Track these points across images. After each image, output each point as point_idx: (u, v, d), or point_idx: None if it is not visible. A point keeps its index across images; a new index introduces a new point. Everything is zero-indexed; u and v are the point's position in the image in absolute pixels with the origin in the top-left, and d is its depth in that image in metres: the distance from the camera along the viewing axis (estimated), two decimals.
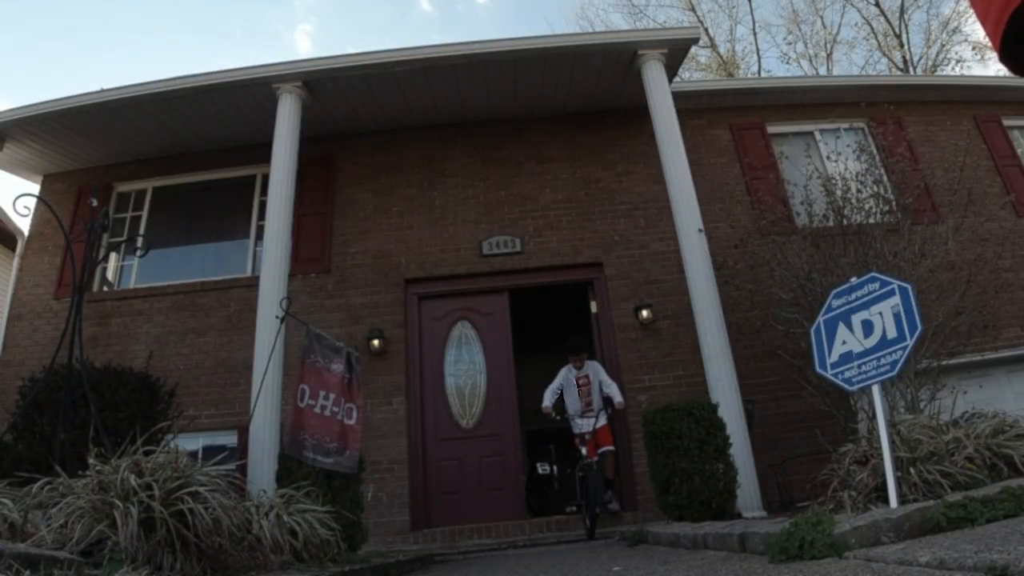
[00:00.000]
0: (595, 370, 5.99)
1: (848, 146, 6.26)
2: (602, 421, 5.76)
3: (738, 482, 4.41)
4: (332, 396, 4.02)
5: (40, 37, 38.98)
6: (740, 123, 7.58)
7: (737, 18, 24.32)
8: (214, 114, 6.86)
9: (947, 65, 18.06)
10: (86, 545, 2.10)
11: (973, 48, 18.80)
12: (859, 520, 1.69)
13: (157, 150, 7.43)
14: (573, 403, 5.97)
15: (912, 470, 2.61)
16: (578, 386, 5.95)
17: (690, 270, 5.52)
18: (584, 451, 5.41)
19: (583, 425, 5.67)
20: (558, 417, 5.84)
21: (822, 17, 20.29)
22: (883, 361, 2.57)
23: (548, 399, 5.85)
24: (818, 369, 2.91)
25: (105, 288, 7.17)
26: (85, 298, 4.11)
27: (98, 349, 6.22)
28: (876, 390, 2.62)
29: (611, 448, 5.76)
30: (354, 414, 4.13)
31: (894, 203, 5.47)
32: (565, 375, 6.04)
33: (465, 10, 39.64)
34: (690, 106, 7.39)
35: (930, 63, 18.21)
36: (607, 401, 5.77)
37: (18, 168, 7.50)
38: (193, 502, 2.29)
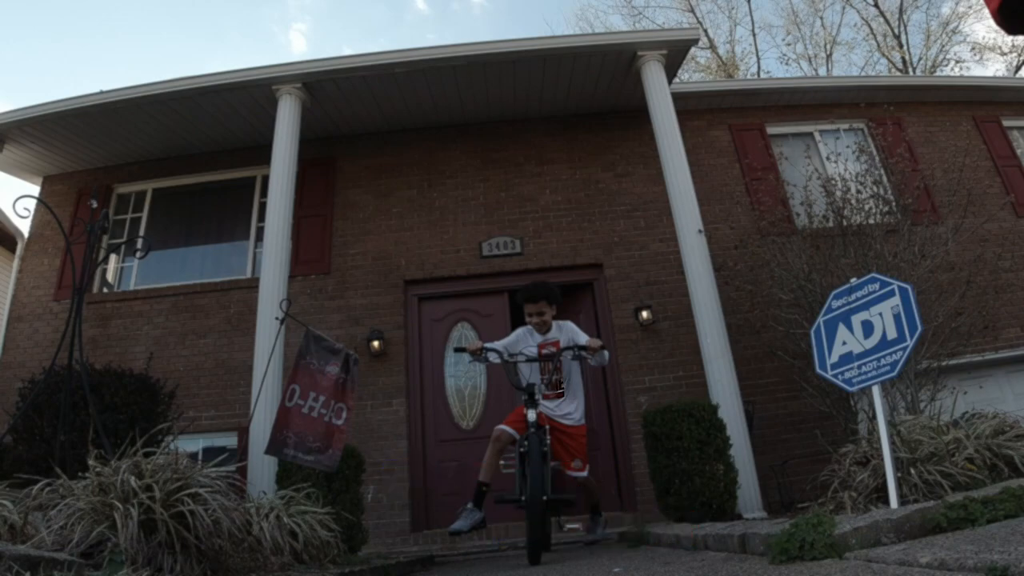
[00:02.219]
0: (570, 334, 3.96)
1: (848, 147, 6.28)
2: (577, 414, 3.94)
3: (738, 483, 4.41)
4: (322, 398, 4.02)
5: (38, 39, 39.00)
6: (739, 124, 7.59)
7: (736, 19, 24.34)
8: (214, 116, 6.86)
9: (946, 66, 18.09)
10: (86, 547, 2.10)
11: (972, 48, 18.84)
12: (859, 521, 1.69)
13: (157, 152, 7.43)
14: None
15: (912, 471, 2.61)
16: (541, 359, 3.92)
17: (690, 271, 5.52)
18: (531, 416, 3.53)
19: (546, 405, 3.84)
20: (484, 360, 3.94)
21: (821, 18, 20.33)
22: (883, 362, 2.57)
23: (480, 343, 4.01)
24: (818, 370, 2.91)
25: (105, 290, 7.17)
26: (85, 300, 4.11)
27: (98, 351, 6.22)
28: (876, 391, 2.62)
29: (583, 474, 3.91)
30: (343, 414, 4.12)
31: (894, 204, 5.48)
32: (521, 338, 4.05)
33: (460, 9, 39.70)
34: (689, 107, 7.40)
35: (929, 64, 18.24)
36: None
37: (18, 170, 7.50)
38: (193, 504, 2.28)
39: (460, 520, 3.56)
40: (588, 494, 4.11)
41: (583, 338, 3.93)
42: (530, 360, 3.93)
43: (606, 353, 3.89)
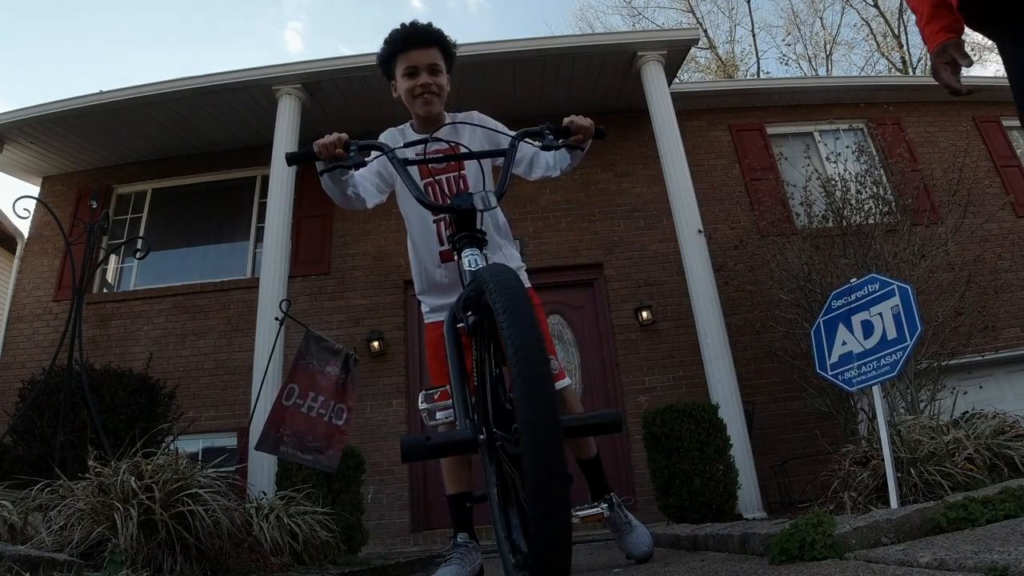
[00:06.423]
0: (489, 135, 2.35)
1: (847, 147, 6.27)
2: (515, 260, 2.44)
3: (738, 483, 4.41)
4: (322, 398, 4.00)
5: (38, 39, 39.03)
6: (739, 124, 7.58)
7: (736, 19, 24.40)
8: (213, 116, 6.86)
9: None
10: (86, 547, 2.10)
11: (971, 49, 18.83)
12: (859, 521, 1.69)
13: (157, 152, 7.43)
14: (423, 233, 2.29)
15: (912, 471, 2.61)
16: (435, 176, 2.27)
17: (690, 271, 5.52)
18: (471, 260, 1.59)
19: (445, 287, 2.27)
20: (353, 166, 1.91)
21: (821, 18, 20.37)
22: (883, 362, 2.57)
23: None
24: (818, 370, 2.91)
25: (105, 290, 7.17)
26: (85, 300, 4.11)
27: (98, 351, 6.21)
28: (876, 391, 2.62)
29: (563, 382, 2.26)
30: (343, 415, 4.11)
31: (894, 204, 5.48)
32: (390, 160, 1.87)
33: (457, 8, 39.70)
34: (689, 107, 7.40)
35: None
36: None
37: (18, 170, 7.50)
38: (193, 504, 2.28)
39: (452, 566, 2.16)
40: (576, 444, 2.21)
41: (526, 147, 2.17)
42: (436, 159, 2.01)
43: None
